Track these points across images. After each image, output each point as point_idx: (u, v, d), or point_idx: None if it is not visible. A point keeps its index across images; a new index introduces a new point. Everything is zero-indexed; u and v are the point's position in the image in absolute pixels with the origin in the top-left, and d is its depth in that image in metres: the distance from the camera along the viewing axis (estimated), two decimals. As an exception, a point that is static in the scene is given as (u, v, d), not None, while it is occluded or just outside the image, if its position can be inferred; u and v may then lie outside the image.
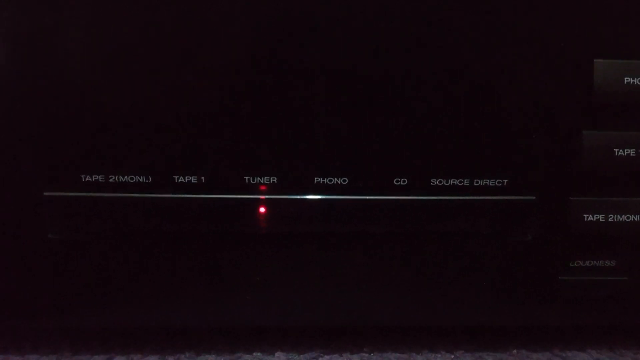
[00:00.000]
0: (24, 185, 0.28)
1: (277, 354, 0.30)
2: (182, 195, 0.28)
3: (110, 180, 0.28)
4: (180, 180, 0.28)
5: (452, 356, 0.30)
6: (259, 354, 0.30)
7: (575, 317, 0.30)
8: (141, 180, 0.28)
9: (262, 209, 0.28)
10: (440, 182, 0.28)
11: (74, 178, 0.28)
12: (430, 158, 0.28)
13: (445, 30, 0.27)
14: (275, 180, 0.28)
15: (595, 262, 0.29)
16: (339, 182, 0.28)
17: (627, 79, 0.27)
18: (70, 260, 0.29)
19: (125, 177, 0.28)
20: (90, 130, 0.27)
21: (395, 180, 0.28)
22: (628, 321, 0.31)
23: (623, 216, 0.28)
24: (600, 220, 0.28)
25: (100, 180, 0.28)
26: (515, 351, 0.31)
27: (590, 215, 0.28)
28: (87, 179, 0.28)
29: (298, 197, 0.28)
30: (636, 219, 0.28)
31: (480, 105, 0.28)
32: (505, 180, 0.28)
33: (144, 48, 0.27)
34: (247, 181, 0.28)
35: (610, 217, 0.28)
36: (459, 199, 0.28)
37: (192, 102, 0.27)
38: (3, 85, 0.27)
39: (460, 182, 0.28)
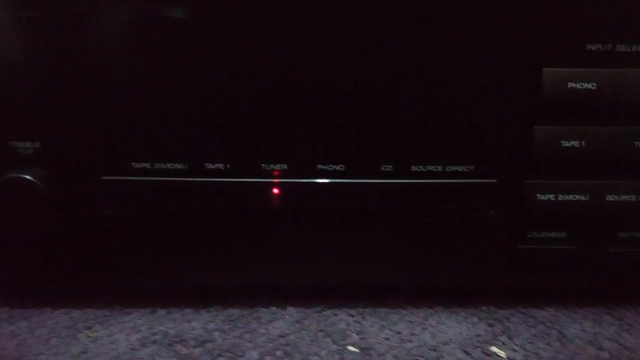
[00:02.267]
0: (86, 171, 0.32)
1: (288, 308, 0.34)
2: (212, 179, 0.32)
3: (155, 167, 0.32)
4: (210, 167, 0.32)
5: (432, 311, 0.35)
6: (274, 308, 0.34)
7: (533, 279, 0.34)
8: (179, 167, 0.32)
9: (275, 190, 0.32)
10: (419, 168, 0.32)
11: (126, 165, 0.32)
12: (411, 148, 0.32)
13: (428, 37, 0.30)
14: (286, 167, 0.32)
15: (547, 233, 0.33)
16: (337, 169, 0.32)
17: (570, 84, 0.31)
18: (121, 233, 0.33)
19: (167, 164, 0.32)
20: (140, 126, 0.31)
21: (382, 166, 0.32)
22: (578, 283, 0.35)
23: (570, 196, 0.32)
24: (551, 199, 0.32)
25: (147, 167, 0.32)
26: (484, 307, 0.35)
27: (543, 195, 0.32)
28: (136, 166, 0.32)
29: (304, 180, 0.32)
30: (581, 198, 0.32)
31: (453, 106, 0.32)
32: (472, 167, 0.32)
33: (189, 58, 0.30)
34: (263, 168, 0.32)
35: (560, 196, 0.32)
36: (435, 182, 0.32)
37: (220, 105, 0.31)
38: (69, 93, 0.31)
39: (435, 168, 0.32)
